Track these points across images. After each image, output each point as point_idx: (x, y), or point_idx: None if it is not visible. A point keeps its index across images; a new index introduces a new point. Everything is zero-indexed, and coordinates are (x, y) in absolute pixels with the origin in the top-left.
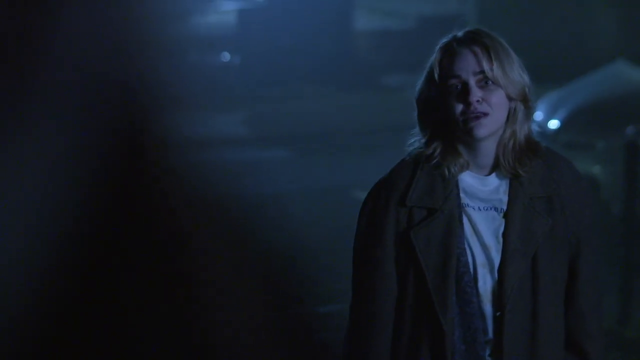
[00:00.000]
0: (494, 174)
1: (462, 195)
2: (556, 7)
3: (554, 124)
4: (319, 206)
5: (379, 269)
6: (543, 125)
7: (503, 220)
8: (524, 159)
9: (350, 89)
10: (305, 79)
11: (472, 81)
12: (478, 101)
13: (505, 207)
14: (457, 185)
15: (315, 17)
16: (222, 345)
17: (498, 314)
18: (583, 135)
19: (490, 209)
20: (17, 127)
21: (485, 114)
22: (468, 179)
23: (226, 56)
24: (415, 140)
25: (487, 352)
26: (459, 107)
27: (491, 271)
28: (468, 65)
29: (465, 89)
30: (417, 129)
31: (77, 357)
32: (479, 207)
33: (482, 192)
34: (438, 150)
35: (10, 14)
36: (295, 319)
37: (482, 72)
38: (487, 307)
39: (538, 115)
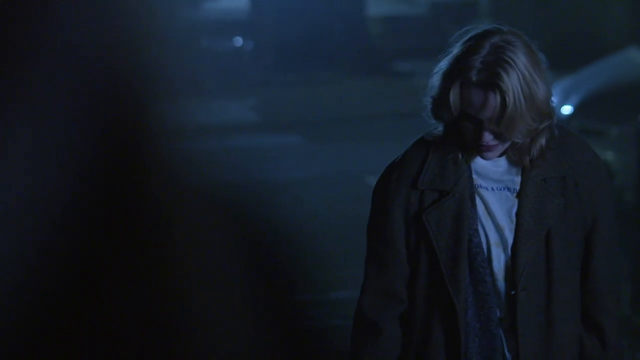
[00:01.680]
0: (504, 157)
1: (474, 176)
2: None
3: (566, 110)
4: (330, 193)
5: (389, 248)
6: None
7: (516, 200)
8: (541, 153)
9: (362, 74)
10: (317, 64)
11: (485, 125)
12: (490, 142)
13: (518, 188)
14: (469, 167)
15: (327, 2)
16: (224, 332)
17: (512, 292)
18: (596, 122)
19: (504, 189)
20: (18, 117)
21: (496, 145)
22: (480, 161)
23: (238, 41)
24: (434, 121)
25: (504, 330)
26: (471, 136)
27: (505, 250)
28: (483, 112)
29: (478, 130)
30: (424, 113)
31: (69, 353)
32: (492, 188)
33: (494, 172)
34: (451, 137)
35: None
36: (307, 304)
37: (497, 117)
38: (502, 285)
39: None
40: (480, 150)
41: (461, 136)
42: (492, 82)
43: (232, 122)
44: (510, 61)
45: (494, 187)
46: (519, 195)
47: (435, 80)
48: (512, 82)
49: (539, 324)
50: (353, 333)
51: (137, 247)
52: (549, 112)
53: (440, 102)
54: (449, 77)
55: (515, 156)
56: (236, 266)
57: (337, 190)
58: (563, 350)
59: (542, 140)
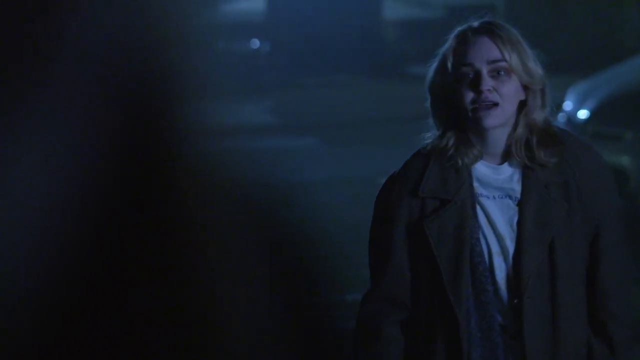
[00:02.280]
0: (506, 163)
1: (476, 184)
2: None
3: (583, 114)
4: (346, 195)
5: (391, 258)
6: (572, 115)
7: (517, 209)
8: (545, 147)
9: (378, 78)
10: (333, 67)
11: (484, 70)
12: (489, 90)
13: (519, 196)
14: (470, 175)
15: (344, 5)
16: (242, 334)
17: (515, 301)
18: (612, 126)
19: (505, 197)
20: (38, 119)
21: (496, 104)
22: (482, 168)
23: (255, 43)
24: (430, 134)
25: (508, 339)
26: (470, 96)
27: (506, 259)
28: (482, 55)
29: (477, 78)
30: (430, 120)
31: (82, 356)
32: (493, 196)
33: (496, 180)
34: (451, 142)
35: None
36: (321, 306)
37: (496, 61)
38: (504, 294)
39: (567, 105)
40: (480, 111)
41: (461, 101)
42: (488, 28)
43: (248, 124)
44: (503, 24)
45: (495, 196)
46: (520, 203)
47: (430, 71)
48: (505, 29)
49: (545, 332)
50: (355, 338)
51: (154, 247)
52: (541, 78)
53: (437, 81)
54: (443, 55)
55: (517, 151)
56: (253, 267)
57: (352, 193)
58: (570, 358)
59: (539, 126)
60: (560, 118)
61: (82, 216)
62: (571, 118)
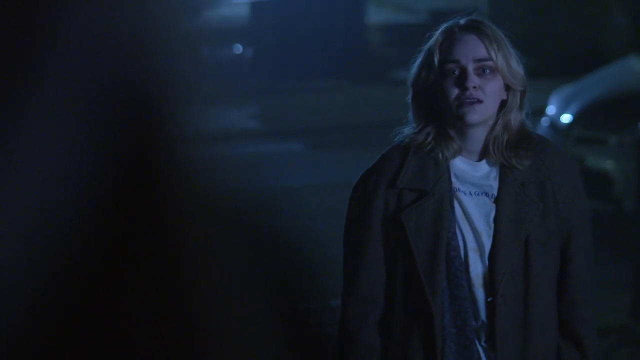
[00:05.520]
0: (484, 161)
1: (453, 179)
2: (569, 1)
3: (566, 118)
4: (330, 200)
5: (366, 251)
6: (555, 119)
7: (494, 206)
8: (516, 149)
9: (362, 82)
10: (317, 72)
11: (470, 67)
12: (474, 87)
13: (495, 193)
14: (448, 170)
15: (327, 10)
16: (230, 340)
17: (490, 299)
18: (595, 130)
19: (481, 194)
20: (23, 124)
21: (480, 101)
22: (459, 164)
23: (238, 48)
24: (404, 128)
25: (482, 337)
26: (455, 92)
27: (482, 256)
28: (468, 52)
29: (462, 75)
30: (410, 114)
31: (80, 357)
32: (470, 192)
33: (473, 177)
34: (431, 136)
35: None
36: (305, 312)
37: (482, 60)
38: (479, 292)
39: (550, 110)
40: (464, 107)
41: (445, 96)
42: (475, 26)
43: (232, 129)
44: (488, 23)
45: (472, 192)
46: (496, 200)
47: (414, 66)
48: (491, 28)
49: (517, 331)
50: (338, 342)
51: (144, 252)
52: (522, 79)
53: (421, 76)
54: (428, 51)
55: (494, 150)
56: (238, 272)
57: (337, 198)
58: (540, 359)
59: (515, 127)
60: (544, 122)
61: (68, 221)
62: (555, 122)
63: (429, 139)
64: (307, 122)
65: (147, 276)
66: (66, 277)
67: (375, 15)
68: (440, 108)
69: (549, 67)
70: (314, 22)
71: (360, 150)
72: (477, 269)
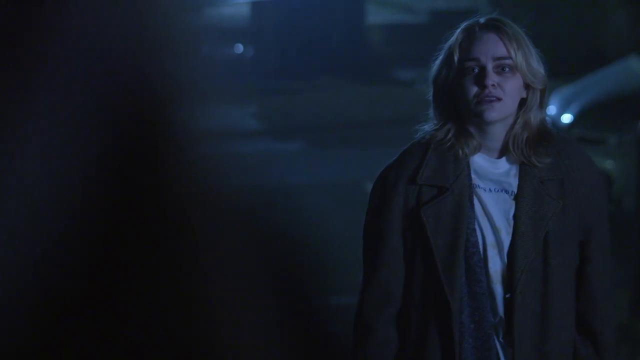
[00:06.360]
0: (504, 158)
1: (473, 176)
2: (570, 1)
3: (566, 118)
4: (331, 199)
5: (385, 244)
6: (556, 119)
7: (513, 203)
8: (536, 147)
9: (362, 82)
10: (318, 71)
11: (489, 66)
12: (493, 85)
13: (515, 190)
14: (468, 166)
15: (328, 10)
16: (232, 339)
17: (507, 295)
18: (595, 130)
19: (501, 190)
20: (24, 122)
21: (498, 99)
22: (479, 161)
23: (239, 48)
24: (425, 125)
25: (500, 332)
26: (474, 90)
27: (500, 253)
28: (488, 50)
29: (482, 73)
30: (431, 112)
31: (80, 356)
32: (489, 189)
33: (493, 174)
34: (451, 133)
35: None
36: (307, 311)
37: (501, 58)
38: (497, 288)
39: (551, 110)
40: (482, 105)
41: (464, 94)
42: (495, 24)
43: (233, 128)
44: (509, 22)
45: (492, 189)
46: (516, 197)
47: (436, 64)
48: (512, 27)
49: (535, 327)
50: (352, 334)
51: (145, 251)
52: (543, 78)
53: (442, 74)
54: (449, 49)
55: (515, 148)
56: (239, 271)
57: (338, 196)
58: (556, 356)
59: (535, 125)
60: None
61: (70, 219)
62: (555, 122)
63: (449, 136)
64: (307, 120)
65: (148, 275)
66: (66, 277)
67: (375, 15)
68: (460, 105)
69: (550, 67)
70: (314, 22)
71: (361, 148)
72: (495, 265)
